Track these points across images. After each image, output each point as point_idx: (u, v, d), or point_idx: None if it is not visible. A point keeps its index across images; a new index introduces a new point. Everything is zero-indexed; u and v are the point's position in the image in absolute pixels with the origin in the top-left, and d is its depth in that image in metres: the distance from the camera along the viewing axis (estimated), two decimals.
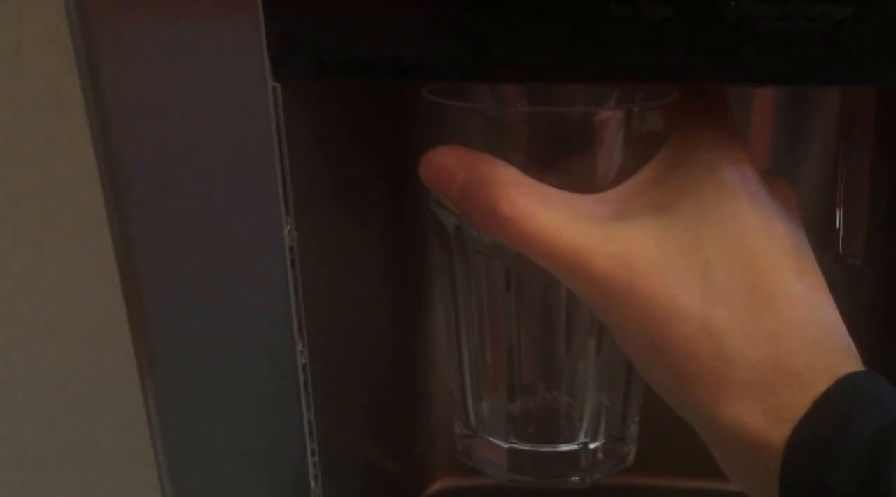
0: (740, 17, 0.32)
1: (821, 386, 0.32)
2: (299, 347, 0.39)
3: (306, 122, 0.38)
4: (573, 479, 0.47)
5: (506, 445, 0.47)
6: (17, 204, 0.53)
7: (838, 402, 0.32)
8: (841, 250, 0.53)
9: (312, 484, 0.42)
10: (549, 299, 0.44)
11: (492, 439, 0.47)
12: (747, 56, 0.33)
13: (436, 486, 0.61)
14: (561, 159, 0.40)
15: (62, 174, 0.52)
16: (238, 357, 0.38)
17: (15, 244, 0.55)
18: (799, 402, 0.32)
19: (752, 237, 0.35)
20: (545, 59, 0.34)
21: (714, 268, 0.35)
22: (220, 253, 0.37)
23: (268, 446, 0.41)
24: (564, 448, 0.47)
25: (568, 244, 0.35)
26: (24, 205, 0.54)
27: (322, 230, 0.41)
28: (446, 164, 0.38)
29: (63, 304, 0.57)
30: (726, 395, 0.33)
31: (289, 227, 0.37)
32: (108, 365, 0.58)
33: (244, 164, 0.36)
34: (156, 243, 0.36)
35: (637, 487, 0.59)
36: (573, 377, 0.46)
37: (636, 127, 0.40)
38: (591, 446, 0.46)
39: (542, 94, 0.44)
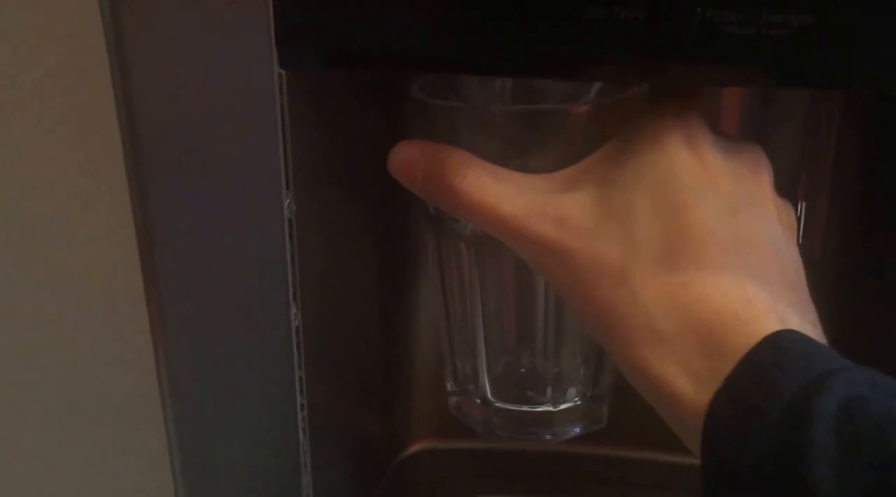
0: (706, 22, 0.33)
1: (739, 342, 0.32)
2: (293, 310, 0.41)
3: (310, 107, 0.39)
4: (547, 436, 0.49)
5: (486, 404, 0.49)
6: (44, 177, 0.55)
7: (758, 364, 0.31)
8: (800, 241, 0.53)
9: (301, 436, 0.44)
10: (522, 269, 0.45)
11: (472, 395, 0.49)
12: (713, 59, 0.34)
13: (414, 448, 0.62)
14: (534, 151, 0.42)
15: (90, 147, 0.54)
16: (239, 317, 0.40)
17: (35, 213, 0.56)
18: (718, 360, 0.32)
19: (683, 192, 0.35)
20: (527, 56, 0.35)
21: (639, 225, 0.35)
22: (225, 223, 0.38)
23: (262, 399, 0.42)
24: (540, 407, 0.48)
25: (508, 212, 0.37)
26: (49, 177, 0.55)
27: (319, 205, 0.42)
28: (409, 156, 0.40)
29: (81, 267, 0.58)
30: (642, 346, 0.34)
31: (288, 201, 0.39)
32: (120, 330, 0.59)
33: (250, 143, 0.37)
34: (169, 213, 0.38)
35: (615, 459, 0.61)
36: (548, 341, 0.47)
37: (607, 121, 0.41)
38: (565, 406, 0.48)
39: (521, 92, 0.45)
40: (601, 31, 0.34)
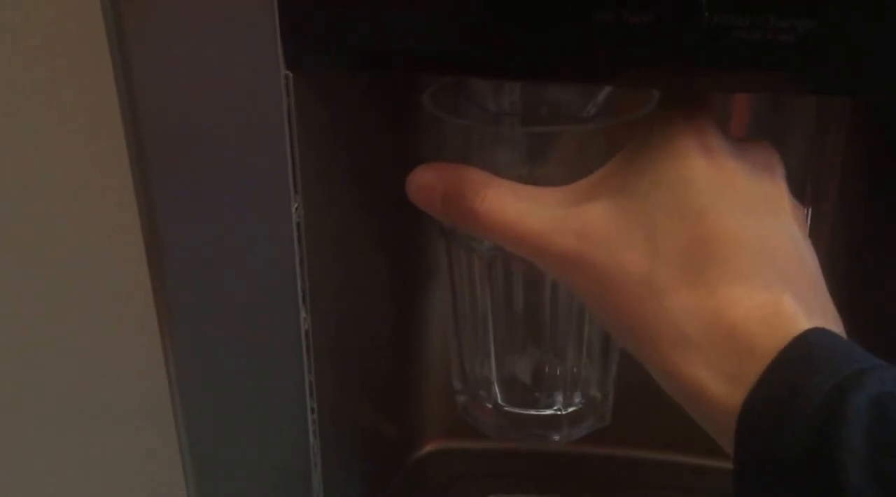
0: (713, 27, 0.33)
1: (769, 342, 0.32)
2: (303, 314, 0.41)
3: (318, 109, 0.39)
4: (554, 437, 0.49)
5: (494, 406, 0.49)
6: (53, 174, 0.55)
7: (791, 363, 0.32)
8: None
9: (311, 439, 0.44)
10: (533, 274, 0.46)
11: (482, 399, 0.50)
12: (719, 63, 0.34)
13: (427, 448, 0.62)
14: (543, 163, 0.42)
15: (97, 148, 0.54)
16: (248, 321, 0.40)
17: (39, 213, 0.57)
18: (749, 362, 0.32)
19: (702, 197, 0.36)
20: (535, 58, 0.35)
21: (659, 232, 0.35)
22: (233, 227, 0.38)
23: (272, 403, 0.43)
24: (546, 409, 0.49)
25: (531, 228, 0.37)
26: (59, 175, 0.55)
27: (329, 209, 0.42)
28: (426, 180, 0.41)
29: (87, 270, 0.58)
30: (671, 351, 0.34)
31: (297, 205, 0.39)
32: (129, 332, 0.59)
33: (258, 146, 0.37)
34: (176, 217, 0.38)
35: (626, 459, 0.61)
36: (555, 344, 0.48)
37: (612, 138, 0.41)
38: (573, 409, 0.48)
39: (531, 99, 0.46)
40: (609, 35, 0.34)
